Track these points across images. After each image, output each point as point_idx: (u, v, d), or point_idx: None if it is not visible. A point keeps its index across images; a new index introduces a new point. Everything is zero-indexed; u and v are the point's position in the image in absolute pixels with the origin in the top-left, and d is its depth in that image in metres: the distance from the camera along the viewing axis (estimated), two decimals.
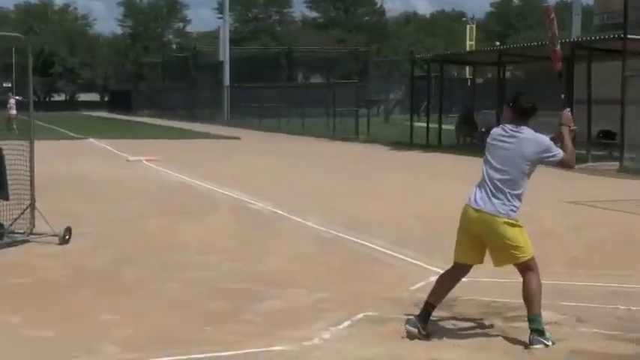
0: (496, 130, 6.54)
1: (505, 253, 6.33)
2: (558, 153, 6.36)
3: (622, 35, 21.95)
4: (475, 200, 6.37)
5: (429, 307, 6.61)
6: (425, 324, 6.53)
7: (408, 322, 6.57)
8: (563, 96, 6.94)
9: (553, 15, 6.91)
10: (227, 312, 7.42)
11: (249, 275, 8.96)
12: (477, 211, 6.33)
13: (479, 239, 6.42)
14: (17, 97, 40.94)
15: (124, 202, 15.41)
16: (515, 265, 6.39)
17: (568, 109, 6.62)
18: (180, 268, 9.34)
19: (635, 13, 26.78)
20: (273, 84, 59.00)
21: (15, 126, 33.37)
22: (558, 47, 6.92)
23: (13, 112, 38.79)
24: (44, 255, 10.08)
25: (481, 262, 6.58)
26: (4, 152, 10.78)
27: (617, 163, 21.41)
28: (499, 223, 6.24)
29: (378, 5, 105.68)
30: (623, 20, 22.36)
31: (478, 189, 6.41)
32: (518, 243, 6.29)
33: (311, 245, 10.92)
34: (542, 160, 6.37)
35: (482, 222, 6.31)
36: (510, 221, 6.25)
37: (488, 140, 6.54)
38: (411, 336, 6.46)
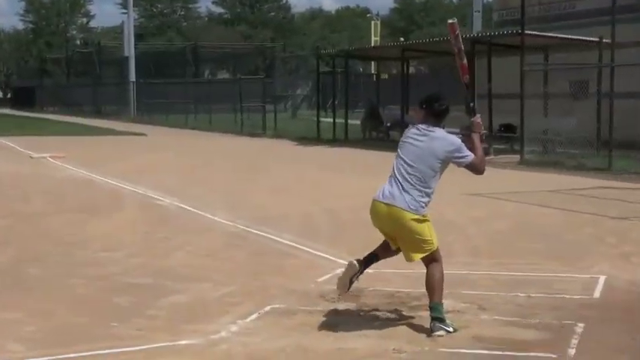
0: (410, 129, 6.64)
1: (413, 246, 6.43)
2: (469, 155, 6.49)
3: (519, 31, 22.43)
4: (384, 195, 6.44)
5: (373, 255, 6.78)
6: (362, 271, 6.71)
7: (357, 260, 6.72)
8: (472, 104, 7.06)
9: (458, 31, 7.05)
10: (133, 307, 7.33)
11: (155, 270, 8.87)
12: (386, 205, 6.41)
13: (390, 233, 6.55)
14: None
15: (28, 199, 15.09)
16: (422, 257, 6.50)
17: (478, 116, 6.77)
18: (85, 265, 9.19)
19: (532, 10, 27.45)
20: (180, 80, 58.42)
21: None
22: (465, 61, 7.07)
23: None
24: None
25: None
26: None
27: (518, 156, 21.88)
28: (407, 219, 6.33)
29: (284, 1, 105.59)
30: (520, 16, 22.85)
31: (388, 184, 6.48)
32: (425, 237, 6.41)
33: (219, 240, 10.87)
34: (452, 159, 6.47)
35: (391, 216, 6.40)
36: (418, 217, 6.35)
37: (402, 138, 6.65)
38: (349, 269, 6.67)
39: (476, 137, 6.63)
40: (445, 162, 6.46)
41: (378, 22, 71.79)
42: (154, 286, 8.15)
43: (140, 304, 7.41)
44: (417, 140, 6.46)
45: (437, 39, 29.86)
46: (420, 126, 6.53)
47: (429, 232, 6.42)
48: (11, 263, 9.35)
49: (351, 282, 6.71)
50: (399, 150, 6.57)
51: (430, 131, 6.46)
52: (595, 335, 6.34)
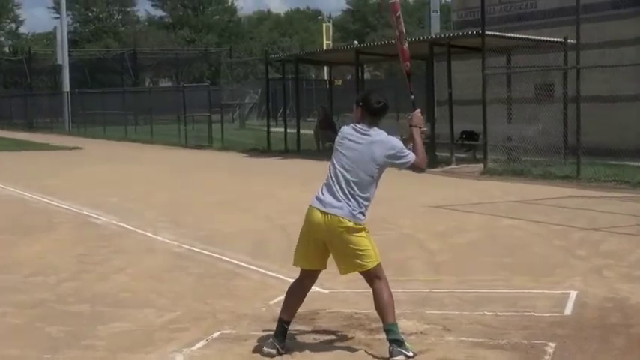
0: (346, 129, 6.51)
1: (350, 259, 6.31)
2: (409, 155, 6.40)
3: (480, 32, 22.46)
4: (321, 202, 6.34)
5: (283, 324, 6.57)
6: (282, 342, 6.49)
7: (265, 343, 6.50)
8: (412, 96, 7.02)
9: (400, 12, 7.01)
10: (67, 337, 7.18)
11: (92, 296, 8.71)
12: (322, 213, 6.30)
13: (323, 243, 6.38)
14: None
15: None
16: (362, 272, 6.38)
17: (419, 110, 6.69)
18: (15, 291, 9.01)
19: (492, 10, 27.65)
20: (118, 89, 58.00)
21: None
22: (406, 45, 7.04)
23: None
24: None
25: (324, 267, 6.56)
26: None
27: (481, 165, 21.95)
28: (344, 227, 6.23)
29: (229, 3, 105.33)
30: (480, 17, 22.90)
31: (325, 190, 6.39)
32: (364, 247, 6.29)
33: (162, 261, 10.74)
34: (392, 164, 6.39)
35: (328, 225, 6.27)
36: (356, 226, 6.25)
37: (338, 139, 6.51)
38: (270, 356, 6.41)
39: (416, 132, 6.55)
40: (383, 167, 6.39)
41: (330, 25, 72.03)
42: (91, 313, 8.01)
43: (75, 334, 7.26)
44: (355, 142, 6.37)
45: (393, 41, 29.88)
46: (358, 126, 6.42)
47: (368, 243, 6.31)
48: None
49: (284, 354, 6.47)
50: (336, 152, 6.45)
51: (368, 134, 6.37)
52: (567, 355, 6.33)
